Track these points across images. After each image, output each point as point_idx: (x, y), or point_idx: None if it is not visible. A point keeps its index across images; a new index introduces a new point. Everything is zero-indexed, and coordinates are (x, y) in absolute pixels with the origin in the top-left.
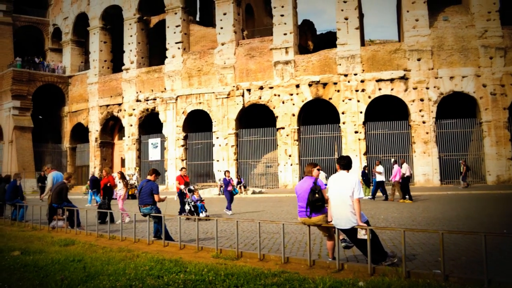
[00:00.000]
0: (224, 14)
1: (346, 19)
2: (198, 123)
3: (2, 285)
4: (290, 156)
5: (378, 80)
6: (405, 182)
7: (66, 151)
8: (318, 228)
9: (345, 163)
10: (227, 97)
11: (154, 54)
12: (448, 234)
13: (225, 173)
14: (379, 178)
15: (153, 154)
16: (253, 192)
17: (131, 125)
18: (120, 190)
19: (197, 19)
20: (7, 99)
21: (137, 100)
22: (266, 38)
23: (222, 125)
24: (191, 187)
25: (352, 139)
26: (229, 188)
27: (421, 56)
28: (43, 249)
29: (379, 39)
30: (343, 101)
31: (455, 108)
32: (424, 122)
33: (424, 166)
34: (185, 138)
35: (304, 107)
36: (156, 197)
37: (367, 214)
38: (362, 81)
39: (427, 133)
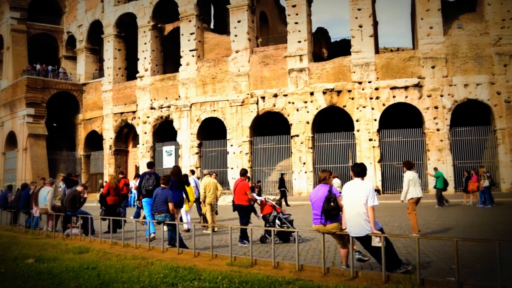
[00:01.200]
0: (239, 21)
1: (361, 26)
2: (212, 130)
3: None
4: (304, 163)
5: (393, 88)
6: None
7: (81, 159)
8: (333, 235)
9: (359, 171)
10: (241, 105)
11: (168, 61)
12: (462, 242)
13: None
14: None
15: (167, 162)
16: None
17: (145, 133)
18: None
19: (211, 26)
20: (22, 107)
21: (151, 108)
22: (281, 46)
23: (236, 132)
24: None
25: (366, 147)
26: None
27: (435, 63)
28: (57, 256)
29: (393, 47)
30: (357, 108)
31: (469, 116)
32: (438, 130)
33: None
34: (199, 145)
35: (318, 115)
36: (170, 205)
37: (381, 221)
38: (376, 89)
39: (441, 140)
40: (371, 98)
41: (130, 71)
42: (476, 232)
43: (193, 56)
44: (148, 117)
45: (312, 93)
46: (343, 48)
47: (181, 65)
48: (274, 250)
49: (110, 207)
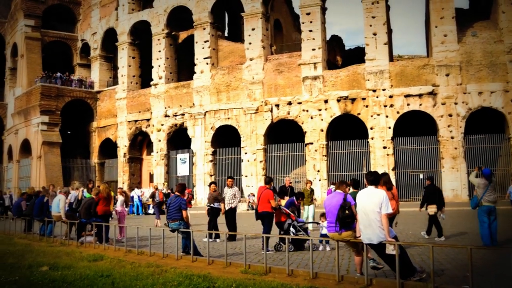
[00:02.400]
0: (253, 29)
1: (375, 34)
2: (226, 138)
3: None
4: (318, 171)
5: (407, 96)
6: None
7: (95, 167)
8: (347, 243)
9: (373, 179)
10: (255, 113)
11: (183, 69)
12: (477, 249)
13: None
14: None
15: (182, 170)
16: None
17: (160, 141)
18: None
19: (226, 34)
20: (36, 115)
21: (166, 116)
22: (295, 54)
23: (250, 140)
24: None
25: (381, 155)
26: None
27: (449, 71)
28: (72, 264)
29: (408, 55)
30: (372, 116)
31: (483, 124)
32: (452, 138)
33: (453, 181)
34: (214, 153)
35: (332, 123)
36: (184, 213)
37: (395, 229)
38: (390, 97)
39: (455, 148)
40: (385, 106)
41: (144, 79)
42: None
43: (207, 63)
44: (162, 124)
45: (326, 101)
46: (357, 56)
47: (195, 72)
48: (288, 258)
49: (100, 217)
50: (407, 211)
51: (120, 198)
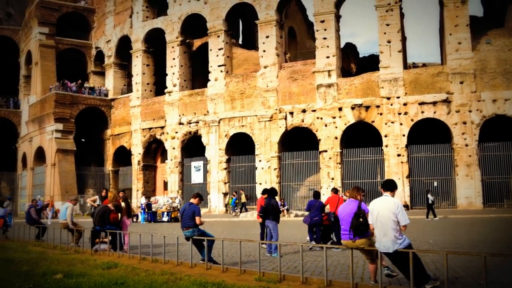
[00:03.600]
0: (267, 37)
1: (389, 42)
2: (240, 146)
3: None
4: (332, 179)
5: (421, 103)
6: None
7: (109, 174)
8: (361, 251)
9: (389, 187)
10: (269, 120)
11: (197, 77)
12: (491, 257)
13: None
14: None
15: (196, 177)
16: (296, 215)
17: (174, 148)
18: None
19: (240, 42)
20: (50, 122)
21: (180, 123)
22: (309, 61)
23: (264, 148)
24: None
25: (395, 162)
26: None
27: (463, 79)
28: (86, 272)
29: (422, 62)
30: (386, 124)
31: (497, 131)
32: (466, 145)
33: (467, 189)
34: (228, 161)
35: (346, 130)
36: (197, 219)
37: (410, 237)
38: (404, 104)
39: (469, 156)
40: (399, 114)
41: (159, 87)
42: (504, 248)
43: (221, 71)
44: (176, 132)
45: (340, 109)
46: (371, 63)
47: (209, 80)
48: (302, 266)
49: (112, 224)
50: (422, 219)
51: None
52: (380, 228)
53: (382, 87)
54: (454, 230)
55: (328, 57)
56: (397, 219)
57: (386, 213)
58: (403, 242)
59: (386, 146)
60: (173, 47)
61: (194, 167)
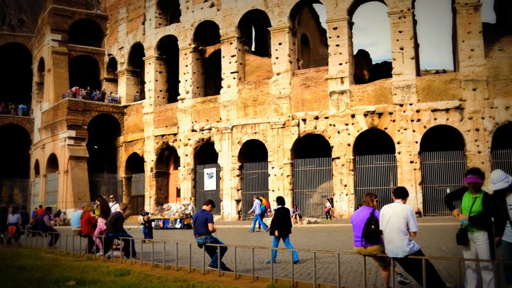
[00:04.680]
0: (280, 44)
1: (402, 49)
2: (253, 153)
3: None
4: (345, 186)
5: (434, 110)
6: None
7: (122, 181)
8: (373, 258)
9: (400, 194)
10: (282, 127)
11: (209, 83)
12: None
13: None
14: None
15: (209, 184)
16: (309, 222)
17: (187, 155)
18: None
19: (253, 49)
20: (63, 129)
21: (193, 130)
22: (322, 68)
23: (277, 155)
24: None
25: (408, 169)
26: None
27: (476, 86)
28: (99, 279)
29: (434, 69)
30: (399, 131)
31: (510, 138)
32: (479, 152)
33: None
34: (240, 168)
35: (359, 137)
36: (210, 226)
37: (423, 244)
38: (417, 111)
39: (482, 163)
40: (412, 121)
41: (171, 93)
42: None
43: (234, 78)
44: (189, 139)
45: (353, 116)
46: (384, 70)
47: (222, 87)
48: (315, 273)
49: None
50: (434, 226)
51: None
52: (389, 233)
53: (395, 94)
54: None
55: (341, 64)
56: (408, 225)
57: (397, 219)
58: (413, 248)
59: (399, 153)
60: (185, 54)
61: (207, 174)
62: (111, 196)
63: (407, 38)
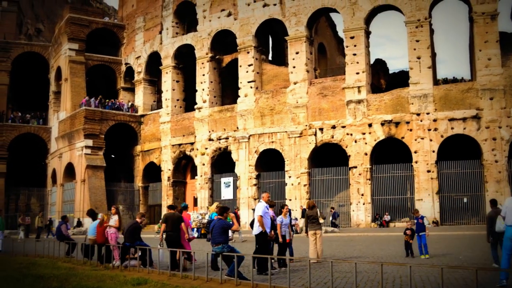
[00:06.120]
0: (297, 53)
1: (419, 58)
2: (270, 162)
3: None
4: (362, 195)
5: (451, 119)
6: None
7: (139, 190)
8: None
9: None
10: (299, 136)
11: (226, 93)
12: None
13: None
14: None
15: (226, 193)
16: (325, 231)
17: (204, 164)
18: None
19: (270, 58)
20: (80, 138)
21: (210, 139)
22: (339, 77)
23: (294, 164)
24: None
25: (425, 179)
26: None
27: (493, 95)
28: None
29: (451, 77)
30: (416, 140)
31: None
32: (496, 161)
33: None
34: (258, 177)
35: (376, 146)
36: (235, 226)
37: (440, 252)
38: (434, 120)
39: (499, 172)
40: (429, 130)
41: (188, 103)
42: None
43: (251, 87)
44: (206, 148)
45: (370, 125)
46: (401, 79)
47: (239, 96)
48: (332, 282)
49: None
50: (452, 235)
51: (114, 219)
52: None
53: (412, 103)
54: (483, 246)
55: (358, 73)
56: None
57: None
58: None
59: (416, 162)
60: (202, 63)
61: (224, 183)
62: (112, 209)
63: (424, 47)
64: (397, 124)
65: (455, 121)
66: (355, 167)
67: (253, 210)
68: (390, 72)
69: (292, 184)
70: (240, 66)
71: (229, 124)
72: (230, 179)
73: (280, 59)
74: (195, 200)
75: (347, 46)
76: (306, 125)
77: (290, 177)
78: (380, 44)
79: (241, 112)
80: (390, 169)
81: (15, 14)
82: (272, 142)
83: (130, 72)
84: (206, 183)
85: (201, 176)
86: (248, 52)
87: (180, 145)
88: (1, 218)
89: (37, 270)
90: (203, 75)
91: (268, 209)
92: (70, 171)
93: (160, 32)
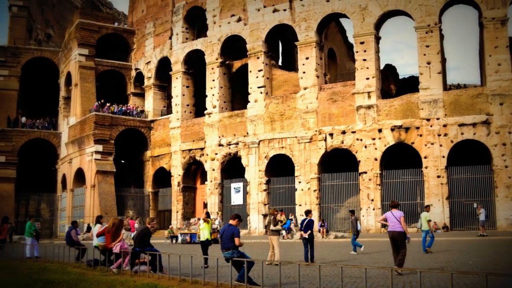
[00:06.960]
0: (307, 58)
1: (429, 63)
2: (280, 167)
3: None
4: (372, 200)
5: (461, 125)
6: None
7: (149, 196)
8: None
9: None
10: (309, 142)
11: (236, 98)
12: None
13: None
14: None
15: (236, 199)
16: (335, 237)
17: (214, 170)
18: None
19: (280, 63)
20: (90, 144)
21: (220, 145)
22: (349, 83)
23: (304, 169)
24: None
25: (435, 184)
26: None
27: (503, 100)
28: None
29: (461, 83)
30: (426, 145)
31: None
32: (506, 167)
33: (507, 210)
34: (268, 182)
35: (386, 152)
36: (236, 241)
37: (450, 258)
38: (444, 126)
39: (509, 177)
40: (439, 135)
41: (198, 108)
42: None
43: (261, 93)
44: (216, 154)
45: (380, 130)
46: (411, 85)
47: (249, 101)
48: (342, 287)
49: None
50: (461, 240)
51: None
52: None
53: (422, 109)
54: (493, 252)
55: (367, 78)
56: None
57: None
58: None
59: (426, 167)
60: (212, 69)
61: (234, 188)
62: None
63: (434, 52)
64: (407, 129)
65: (465, 126)
66: (365, 172)
67: (264, 215)
68: (400, 77)
69: (302, 190)
70: (250, 72)
71: (239, 129)
72: (240, 185)
73: (290, 65)
74: (205, 206)
75: (357, 52)
76: (316, 131)
77: (300, 182)
78: (390, 50)
79: (251, 117)
80: (400, 174)
81: (25, 19)
82: (282, 147)
83: (140, 77)
84: (216, 188)
85: (211, 181)
86: (258, 58)
87: (190, 150)
88: (30, 223)
89: (47, 276)
90: (213, 80)
91: None
92: (80, 176)
93: (170, 38)
